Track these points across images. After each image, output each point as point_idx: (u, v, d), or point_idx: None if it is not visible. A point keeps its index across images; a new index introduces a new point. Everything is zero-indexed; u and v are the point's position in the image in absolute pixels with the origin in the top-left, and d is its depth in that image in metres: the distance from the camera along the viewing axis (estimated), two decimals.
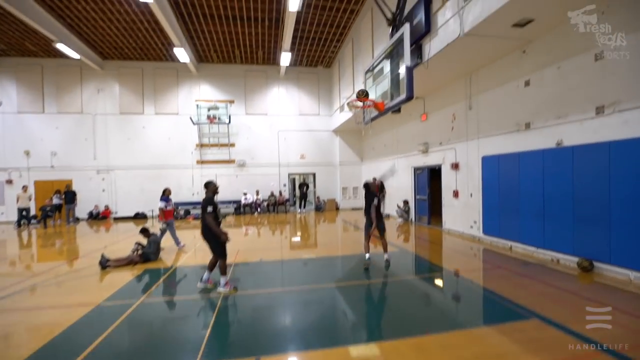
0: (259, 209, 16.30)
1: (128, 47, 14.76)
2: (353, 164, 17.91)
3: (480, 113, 8.10)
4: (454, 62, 7.56)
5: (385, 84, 5.32)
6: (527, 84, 6.56)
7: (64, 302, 4.54)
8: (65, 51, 13.40)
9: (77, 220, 14.43)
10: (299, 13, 12.16)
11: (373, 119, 6.00)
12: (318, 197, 17.56)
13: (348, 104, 6.23)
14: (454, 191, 9.34)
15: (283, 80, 17.44)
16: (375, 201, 5.64)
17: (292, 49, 14.92)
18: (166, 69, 16.32)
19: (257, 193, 16.58)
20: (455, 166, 9.18)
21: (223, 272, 4.78)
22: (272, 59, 16.56)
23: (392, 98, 5.98)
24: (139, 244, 6.85)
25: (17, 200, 13.08)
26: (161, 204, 7.72)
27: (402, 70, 5.49)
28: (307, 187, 16.88)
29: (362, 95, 6.01)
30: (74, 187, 14.83)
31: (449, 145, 9.55)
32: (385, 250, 5.83)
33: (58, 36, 12.54)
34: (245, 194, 16.34)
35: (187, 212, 15.59)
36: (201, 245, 7.89)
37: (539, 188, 6.19)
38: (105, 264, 6.23)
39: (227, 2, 11.57)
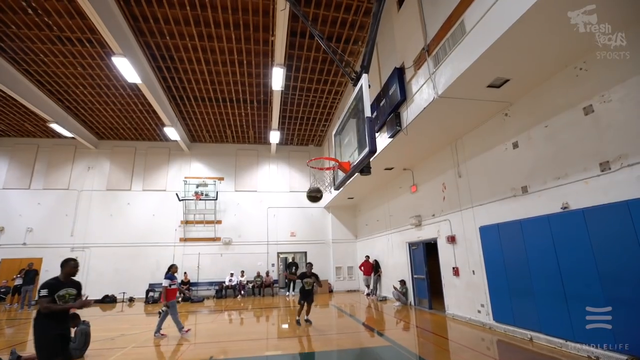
0: (242, 292, 14.61)
1: (123, 128, 15.23)
2: (347, 242, 16.80)
3: (471, 180, 7.53)
4: (435, 129, 7.31)
5: (351, 144, 4.86)
6: (515, 145, 6.12)
7: None
8: (60, 131, 13.76)
9: (35, 303, 12.79)
10: (285, 95, 12.79)
11: (341, 183, 5.39)
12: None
13: (308, 163, 5.86)
14: (453, 268, 8.18)
15: (274, 158, 17.59)
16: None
17: (281, 129, 15.35)
18: (159, 147, 16.61)
19: (242, 274, 15.10)
20: (452, 239, 8.22)
21: None
22: (262, 138, 16.96)
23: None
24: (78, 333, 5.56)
25: None
26: (165, 282, 7.06)
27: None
28: (297, 266, 15.47)
29: (313, 194, 6.24)
30: (43, 266, 13.59)
31: (442, 216, 8.76)
32: None
33: (56, 117, 12.99)
34: (231, 274, 14.89)
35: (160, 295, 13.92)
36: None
37: (552, 261, 5.17)
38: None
39: (217, 86, 12.19)
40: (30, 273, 12.24)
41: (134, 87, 11.59)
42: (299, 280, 8.20)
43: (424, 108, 6.12)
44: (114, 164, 16.13)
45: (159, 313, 7.21)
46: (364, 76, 4.27)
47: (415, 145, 8.31)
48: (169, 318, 7.07)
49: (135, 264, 14.78)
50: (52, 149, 15.78)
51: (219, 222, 16.13)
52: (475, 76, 5.15)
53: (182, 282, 14.24)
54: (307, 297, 7.93)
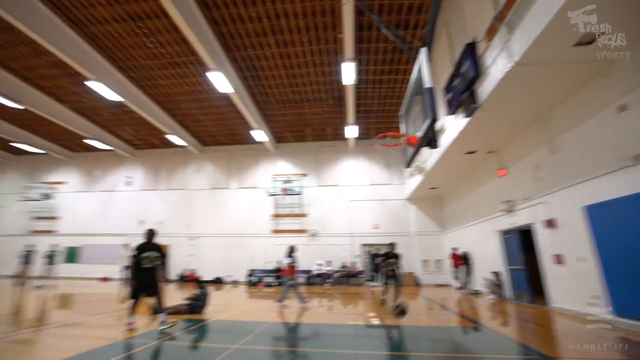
0: (329, 280, 15.43)
1: (220, 134, 17.62)
2: (432, 234, 16.12)
3: (569, 155, 6.57)
4: (518, 103, 6.61)
5: (416, 119, 4.85)
6: (622, 108, 5.16)
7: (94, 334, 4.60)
8: (175, 141, 16.76)
9: (168, 281, 15.96)
10: (358, 89, 13.02)
11: (411, 158, 5.36)
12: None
13: (376, 139, 5.99)
14: (555, 256, 7.24)
15: (352, 152, 17.97)
16: None
17: (358, 123, 15.61)
18: (249, 149, 18.62)
19: (328, 264, 15.94)
20: (551, 223, 7.28)
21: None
22: (340, 134, 17.48)
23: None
24: (191, 297, 7.09)
25: (122, 259, 15.37)
26: (287, 260, 8.34)
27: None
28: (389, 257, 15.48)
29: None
30: (171, 252, 16.84)
31: (537, 199, 7.82)
32: None
33: (172, 130, 15.87)
34: (319, 264, 15.87)
35: (260, 279, 15.72)
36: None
37: None
38: (157, 311, 6.49)
39: (295, 88, 13.18)
40: (163, 256, 15.33)
41: (226, 98, 13.38)
42: (384, 264, 8.14)
43: (501, 79, 5.65)
44: (215, 166, 18.79)
45: (286, 287, 8.32)
46: (422, 50, 4.28)
47: (496, 124, 7.62)
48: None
49: (236, 252, 17.00)
50: (170, 157, 19.27)
51: (305, 215, 17.30)
52: (556, 35, 4.57)
53: (277, 270, 15.77)
54: (392, 277, 7.56)
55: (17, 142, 17.78)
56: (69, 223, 19.04)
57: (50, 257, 13.88)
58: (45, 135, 18.16)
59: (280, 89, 13.32)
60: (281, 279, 8.53)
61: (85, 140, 17.54)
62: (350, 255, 16.46)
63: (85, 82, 11.86)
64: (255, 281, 15.62)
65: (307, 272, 15.92)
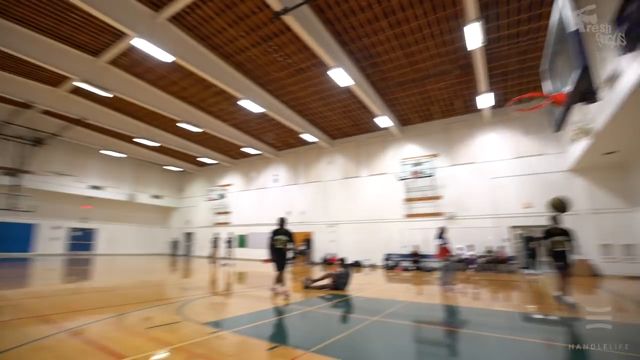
0: (472, 266, 14.23)
1: (346, 126, 18.54)
2: (616, 212, 12.61)
3: None
4: None
5: (562, 72, 3.91)
6: None
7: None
8: (308, 138, 18.67)
9: (313, 263, 18.15)
10: (488, 51, 11.31)
11: (561, 120, 4.33)
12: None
13: (509, 105, 5.09)
14: None
15: (489, 124, 15.79)
16: None
17: (492, 90, 13.58)
18: (375, 137, 18.88)
19: (470, 248, 14.68)
20: None
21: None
22: (472, 106, 15.59)
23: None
24: (334, 274, 7.97)
25: None
26: (439, 241, 8.52)
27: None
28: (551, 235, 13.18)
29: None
30: (314, 237, 19.05)
31: None
32: None
33: (304, 129, 17.75)
34: (460, 248, 14.88)
35: (397, 264, 15.95)
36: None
37: None
38: (307, 285, 7.69)
39: (414, 66, 12.56)
40: (307, 241, 17.59)
41: (348, 91, 13.97)
42: (546, 244, 6.34)
43: None
44: (344, 156, 19.92)
45: (444, 268, 8.50)
46: None
47: None
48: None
49: (372, 237, 17.72)
50: (305, 153, 21.56)
51: (439, 197, 16.41)
52: None
53: (414, 254, 15.66)
54: (560, 261, 5.94)
55: (200, 157, 23.49)
56: (238, 216, 24.01)
57: (229, 243, 18.04)
58: (216, 149, 23.30)
59: (399, 70, 12.97)
60: (438, 263, 8.73)
61: (242, 149, 21.59)
62: (497, 238, 14.66)
63: (238, 102, 14.60)
64: (392, 265, 15.96)
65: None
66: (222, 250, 18.18)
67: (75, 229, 22.49)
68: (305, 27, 9.63)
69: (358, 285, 8.84)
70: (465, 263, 14.40)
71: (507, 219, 14.69)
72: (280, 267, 7.01)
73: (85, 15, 10.21)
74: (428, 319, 5.45)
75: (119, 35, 11.30)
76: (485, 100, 13.65)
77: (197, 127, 17.35)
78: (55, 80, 14.41)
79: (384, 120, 15.86)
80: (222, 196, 24.70)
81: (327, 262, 18.26)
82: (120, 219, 25.25)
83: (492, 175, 15.35)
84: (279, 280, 6.94)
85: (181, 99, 16.19)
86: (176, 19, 10.55)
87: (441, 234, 8.44)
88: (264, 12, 9.94)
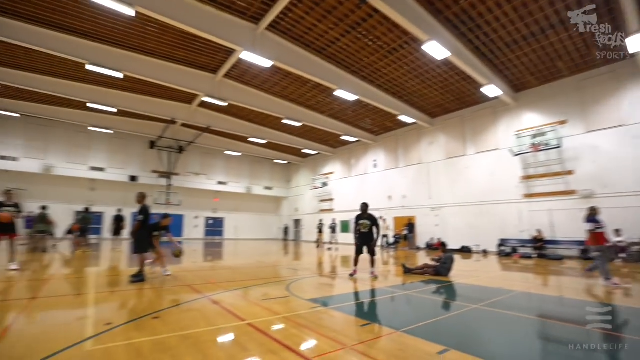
0: (623, 255, 11.53)
1: (447, 102, 17.09)
2: None
3: None
4: None
5: None
6: None
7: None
8: (405, 120, 17.99)
9: (418, 248, 17.68)
10: None
11: None
12: None
13: None
14: None
15: None
16: None
17: None
18: (482, 109, 16.88)
19: (617, 233, 11.90)
20: None
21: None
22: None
23: None
24: (436, 259, 7.78)
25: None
26: (589, 226, 6.86)
27: None
28: None
29: None
30: (417, 222, 18.50)
31: None
32: None
33: (400, 111, 17.18)
34: (617, 230, 12.19)
35: (514, 250, 14.17)
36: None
37: None
38: (408, 270, 7.73)
39: (524, 20, 10.65)
40: (410, 226, 17.21)
41: (447, 63, 12.86)
42: None
43: None
44: (447, 135, 18.47)
45: (600, 260, 6.74)
46: None
47: None
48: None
49: (483, 220, 16.14)
50: (404, 136, 20.85)
51: (570, 172, 13.73)
52: None
53: (535, 240, 13.66)
54: None
55: (303, 149, 25.29)
56: (340, 202, 25.05)
57: (332, 228, 19.03)
58: (316, 140, 24.67)
59: (507, 28, 11.23)
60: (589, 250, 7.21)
61: (341, 137, 22.28)
62: None
63: (333, 93, 15.13)
64: (507, 252, 14.20)
65: (582, 243, 12.63)
66: (326, 236, 19.39)
67: (209, 218, 27.44)
68: (393, 5, 9.28)
69: (463, 272, 8.30)
70: (614, 252, 11.76)
71: None
72: (362, 251, 7.41)
73: (204, 42, 12.18)
74: (547, 312, 4.81)
75: (230, 52, 13.08)
76: (636, 41, 10.57)
77: (298, 121, 18.74)
78: (188, 98, 17.67)
79: (492, 90, 13.98)
80: (324, 184, 26.14)
81: (432, 247, 17.51)
82: (241, 208, 29.47)
83: None
84: (357, 264, 7.45)
85: (283, 98, 17.70)
86: (272, 27, 11.56)
87: (592, 216, 6.77)
88: (350, 1, 9.99)
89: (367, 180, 23.19)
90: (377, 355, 2.81)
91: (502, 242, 14.83)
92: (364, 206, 7.51)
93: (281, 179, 32.02)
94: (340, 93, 14.72)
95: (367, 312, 4.67)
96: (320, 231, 18.99)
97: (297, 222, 30.00)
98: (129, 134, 22.46)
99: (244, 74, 15.45)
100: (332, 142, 24.86)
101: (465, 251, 16.20)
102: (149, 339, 3.11)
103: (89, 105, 17.14)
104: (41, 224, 11.64)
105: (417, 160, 19.91)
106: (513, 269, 10.07)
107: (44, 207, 12.08)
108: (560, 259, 12.56)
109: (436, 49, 10.79)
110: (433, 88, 15.67)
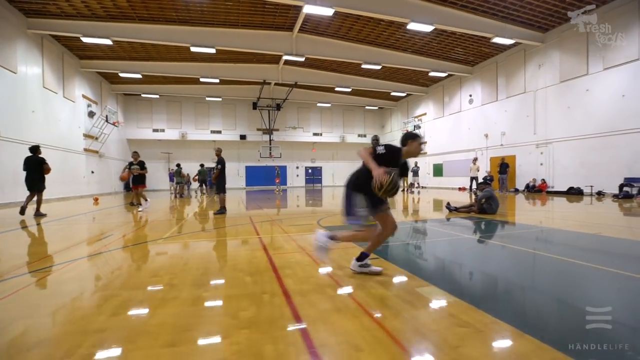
0: None
1: (565, 3, 13.16)
2: None
3: None
4: None
5: None
6: None
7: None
8: (506, 42, 15.17)
9: (517, 191, 15.89)
10: None
11: None
12: None
13: None
14: None
15: None
16: None
17: None
18: (620, 5, 12.49)
19: None
20: None
21: None
22: None
23: None
24: (479, 196, 7.45)
25: (470, 171, 17.10)
26: None
27: None
28: None
29: None
30: (517, 162, 16.41)
31: None
32: None
33: (495, 31, 14.53)
34: None
35: (639, 192, 11.33)
36: None
37: None
38: (451, 208, 7.77)
39: None
40: (503, 166, 15.52)
41: None
42: None
43: None
44: (563, 52, 14.76)
45: None
46: None
47: None
48: None
49: (603, 156, 13.07)
50: (505, 62, 17.64)
51: None
52: None
53: None
54: None
55: (392, 91, 24.34)
56: (434, 145, 23.69)
57: (414, 172, 18.70)
58: (405, 80, 23.27)
59: None
60: None
61: (429, 74, 20.43)
62: None
63: (407, 27, 14.04)
64: (633, 193, 11.35)
65: None
66: (411, 178, 19.23)
67: (308, 168, 30.24)
68: None
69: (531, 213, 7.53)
70: None
71: None
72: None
73: (273, 3, 12.99)
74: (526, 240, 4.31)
75: (298, 9, 13.52)
76: None
77: (377, 64, 18.19)
78: (275, 59, 19.22)
79: None
80: (417, 127, 24.96)
81: (533, 189, 15.38)
82: (336, 157, 31.15)
83: None
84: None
85: (359, 42, 17.36)
86: None
87: None
88: None
89: (461, 119, 21.04)
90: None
91: (627, 182, 11.92)
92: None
93: (374, 125, 31.86)
94: (413, 26, 13.58)
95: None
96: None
97: None
98: (234, 99, 26.21)
99: (317, 26, 15.83)
100: (422, 80, 23.01)
101: (574, 193, 13.70)
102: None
103: (201, 80, 20.76)
104: (178, 177, 15.85)
105: (521, 89, 16.82)
106: (625, 212, 8.18)
107: (178, 165, 16.29)
108: None
109: None
110: None
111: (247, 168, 28.21)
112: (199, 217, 8.33)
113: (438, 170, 22.77)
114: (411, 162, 22.68)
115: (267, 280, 2.91)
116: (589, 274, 3.11)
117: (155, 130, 25.52)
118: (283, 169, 28.22)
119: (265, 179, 28.08)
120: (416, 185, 18.98)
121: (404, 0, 12.97)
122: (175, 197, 16.07)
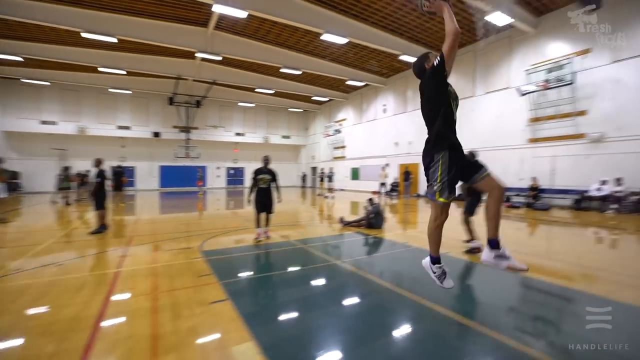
0: (615, 206, 10.49)
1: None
2: None
3: None
4: None
5: None
6: None
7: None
8: (409, 60, 16.52)
9: (419, 196, 17.62)
10: None
11: None
12: None
13: None
14: None
15: None
16: None
17: None
18: (498, 41, 14.64)
19: (618, 182, 10.69)
20: None
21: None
22: None
23: None
24: (368, 211, 7.87)
25: (380, 177, 18.44)
26: None
27: None
28: None
29: None
30: (419, 170, 18.17)
31: None
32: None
33: (404, 50, 15.71)
34: (602, 182, 11.15)
35: (507, 199, 13.50)
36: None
37: None
38: (344, 223, 8.10)
39: None
40: (406, 174, 16.95)
41: None
42: None
43: None
44: (457, 74, 16.53)
45: None
46: None
47: None
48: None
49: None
50: (413, 77, 19.09)
51: (582, 113, 12.08)
52: None
53: (531, 189, 12.82)
54: None
55: (314, 96, 24.79)
56: (352, 149, 24.90)
57: (329, 177, 19.41)
58: (326, 86, 23.89)
59: None
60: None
61: (347, 82, 21.29)
62: None
63: (321, 37, 14.32)
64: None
65: (581, 193, 11.65)
66: (326, 184, 19.93)
67: (230, 168, 29.22)
68: None
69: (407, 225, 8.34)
70: (607, 202, 10.76)
71: None
72: (264, 208, 6.52)
73: None
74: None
75: (209, 6, 12.69)
76: None
77: (296, 69, 18.28)
78: (190, 54, 17.81)
79: (502, 17, 11.81)
80: (337, 131, 25.90)
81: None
82: (259, 158, 30.52)
83: None
84: (260, 223, 6.54)
85: (279, 46, 17.21)
86: None
87: None
88: None
89: (376, 126, 22.49)
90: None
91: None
92: (265, 159, 6.81)
93: (298, 127, 32.13)
94: (328, 37, 13.93)
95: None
96: (322, 180, 19.56)
97: (314, 170, 30.72)
98: (147, 93, 23.87)
99: (234, 25, 15.17)
100: (342, 87, 23.92)
101: (461, 199, 15.72)
102: None
103: (99, 70, 18.36)
104: (66, 181, 13.75)
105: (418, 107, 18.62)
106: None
107: (66, 168, 14.13)
108: (547, 209, 11.80)
109: None
110: (437, 20, 13.93)
111: (162, 168, 25.91)
112: (66, 237, 7.29)
113: (355, 174, 23.99)
114: (326, 168, 23.55)
115: (73, 348, 2.48)
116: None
117: (44, 123, 21.77)
118: (203, 169, 26.71)
119: (184, 180, 26.27)
120: (328, 190, 19.66)
121: (319, 10, 13.20)
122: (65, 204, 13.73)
